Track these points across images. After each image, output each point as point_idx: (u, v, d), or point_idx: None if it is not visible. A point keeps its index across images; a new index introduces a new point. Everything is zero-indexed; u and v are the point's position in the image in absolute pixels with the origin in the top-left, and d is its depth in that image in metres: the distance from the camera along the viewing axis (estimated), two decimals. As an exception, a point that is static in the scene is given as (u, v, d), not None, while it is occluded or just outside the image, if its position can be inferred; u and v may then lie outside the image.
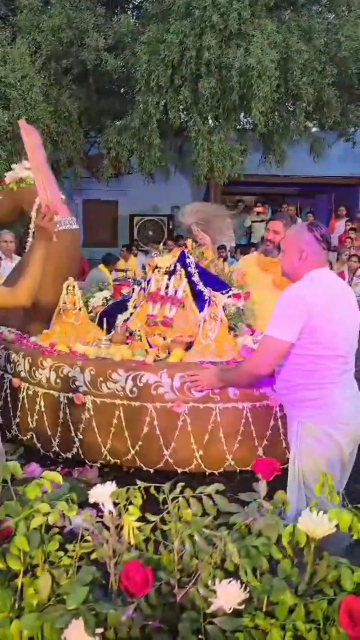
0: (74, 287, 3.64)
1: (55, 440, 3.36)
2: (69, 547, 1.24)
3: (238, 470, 3.10)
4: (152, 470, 3.13)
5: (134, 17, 11.47)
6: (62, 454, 3.36)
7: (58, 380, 3.29)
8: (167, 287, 3.65)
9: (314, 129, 11.61)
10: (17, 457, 3.40)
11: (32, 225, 4.15)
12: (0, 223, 4.46)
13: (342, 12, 10.21)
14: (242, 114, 10.59)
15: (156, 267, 3.75)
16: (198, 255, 3.95)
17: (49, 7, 9.94)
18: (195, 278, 3.64)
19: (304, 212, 14.47)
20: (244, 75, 8.83)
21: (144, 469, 3.14)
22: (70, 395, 3.26)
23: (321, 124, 11.19)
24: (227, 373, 2.85)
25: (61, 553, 1.23)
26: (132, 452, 3.14)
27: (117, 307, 3.99)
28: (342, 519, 1.19)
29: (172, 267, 3.71)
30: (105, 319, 3.88)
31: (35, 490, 1.24)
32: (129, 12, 11.74)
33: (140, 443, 3.12)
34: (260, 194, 14.37)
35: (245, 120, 10.96)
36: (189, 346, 3.37)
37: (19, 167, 4.09)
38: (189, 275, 3.65)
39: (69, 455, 3.34)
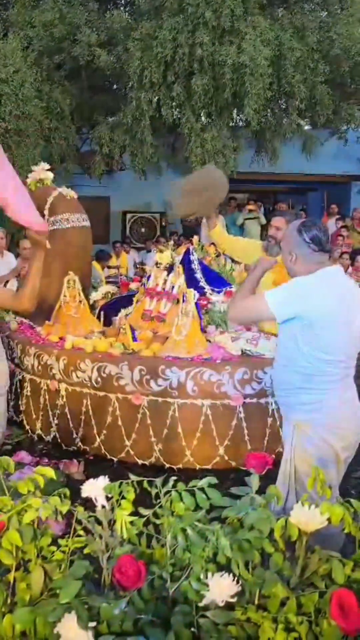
0: (74, 281, 3.78)
1: (38, 423, 3.56)
2: (62, 542, 1.24)
3: (198, 468, 3.11)
4: (115, 459, 3.21)
5: (127, 13, 11.40)
6: (44, 437, 3.55)
7: (39, 367, 3.48)
8: (164, 282, 3.73)
9: (306, 127, 11.61)
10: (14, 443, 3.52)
11: None
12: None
13: (334, 10, 10.21)
14: (235, 111, 10.57)
15: (157, 263, 3.83)
16: (203, 252, 4.01)
17: (41, 2, 9.86)
18: (199, 275, 3.69)
19: (296, 209, 14.48)
20: (237, 73, 8.81)
21: (108, 457, 3.26)
22: (48, 382, 3.44)
23: (314, 122, 11.19)
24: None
25: (54, 548, 1.23)
26: (99, 440, 3.26)
27: (121, 301, 4.10)
28: (333, 513, 1.20)
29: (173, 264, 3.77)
30: (104, 313, 3.99)
31: (27, 485, 1.24)
32: (122, 8, 11.67)
33: (105, 432, 3.24)
34: (252, 192, 14.38)
35: (238, 117, 10.95)
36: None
37: (38, 169, 4.26)
38: (192, 272, 3.70)
39: (49, 438, 3.51)
